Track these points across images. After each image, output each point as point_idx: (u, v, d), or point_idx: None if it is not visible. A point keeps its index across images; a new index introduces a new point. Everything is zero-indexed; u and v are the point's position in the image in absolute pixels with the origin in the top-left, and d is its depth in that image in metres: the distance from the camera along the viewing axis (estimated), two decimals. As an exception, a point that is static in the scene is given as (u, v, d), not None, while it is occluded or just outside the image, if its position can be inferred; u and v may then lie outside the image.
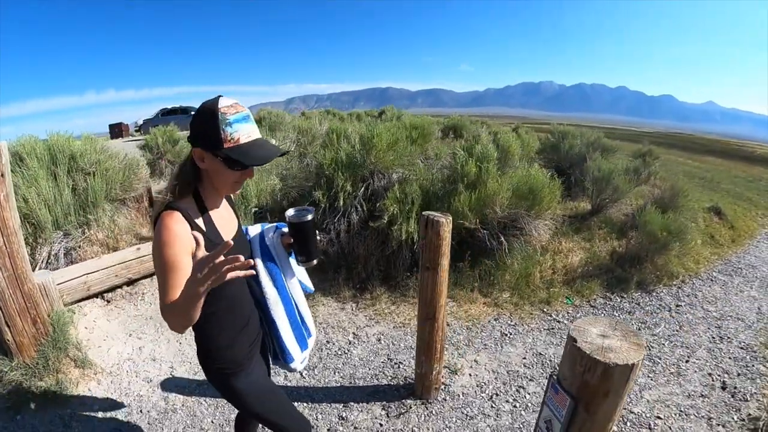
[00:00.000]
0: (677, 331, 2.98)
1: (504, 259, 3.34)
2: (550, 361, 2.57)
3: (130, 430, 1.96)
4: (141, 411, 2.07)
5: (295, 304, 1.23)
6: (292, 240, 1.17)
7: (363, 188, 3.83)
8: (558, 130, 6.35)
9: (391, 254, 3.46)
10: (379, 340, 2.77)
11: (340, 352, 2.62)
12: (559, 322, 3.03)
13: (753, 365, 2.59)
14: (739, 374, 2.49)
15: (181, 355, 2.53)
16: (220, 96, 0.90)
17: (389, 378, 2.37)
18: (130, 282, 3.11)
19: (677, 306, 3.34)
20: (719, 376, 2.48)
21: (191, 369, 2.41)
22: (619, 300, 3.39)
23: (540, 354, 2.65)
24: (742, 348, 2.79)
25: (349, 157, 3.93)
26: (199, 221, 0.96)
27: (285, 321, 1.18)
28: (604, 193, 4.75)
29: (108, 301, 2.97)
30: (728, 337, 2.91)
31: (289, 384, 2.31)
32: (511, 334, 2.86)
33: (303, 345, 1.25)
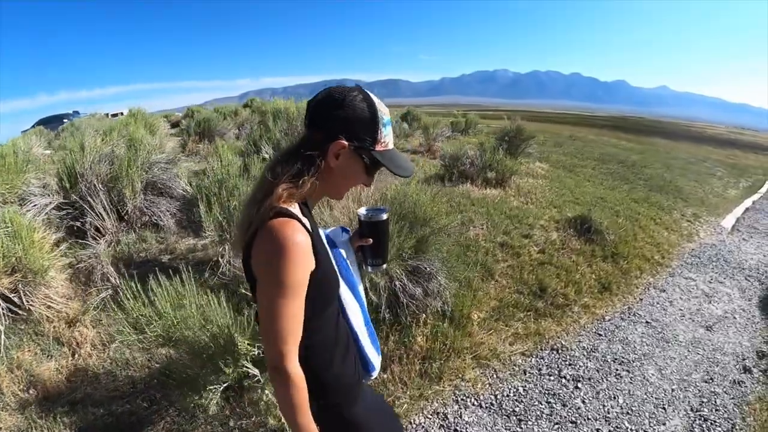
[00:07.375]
0: None
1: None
2: None
3: None
4: None
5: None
6: (366, 242, 1.05)
7: None
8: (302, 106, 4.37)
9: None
10: None
11: None
12: None
13: None
14: None
15: None
16: (357, 85, 0.82)
17: None
18: None
19: None
20: None
21: None
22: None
23: None
24: None
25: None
26: (308, 228, 0.80)
27: (364, 329, 1.02)
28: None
29: None
30: None
31: None
32: None
33: (378, 350, 1.06)
